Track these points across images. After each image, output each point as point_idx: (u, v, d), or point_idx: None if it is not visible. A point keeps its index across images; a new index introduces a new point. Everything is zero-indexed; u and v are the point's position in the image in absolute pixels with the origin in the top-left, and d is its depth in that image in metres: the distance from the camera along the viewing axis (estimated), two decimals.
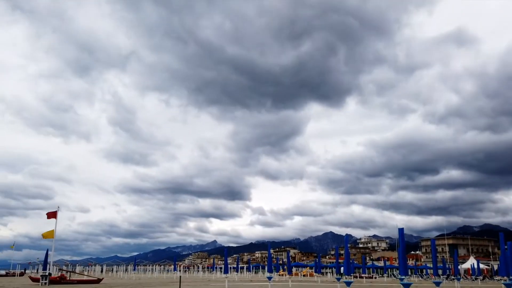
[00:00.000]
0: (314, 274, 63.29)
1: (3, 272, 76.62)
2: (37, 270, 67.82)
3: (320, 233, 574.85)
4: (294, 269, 74.11)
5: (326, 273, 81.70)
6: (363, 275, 58.76)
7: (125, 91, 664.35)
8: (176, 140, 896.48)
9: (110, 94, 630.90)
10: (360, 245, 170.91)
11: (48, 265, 33.29)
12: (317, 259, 76.31)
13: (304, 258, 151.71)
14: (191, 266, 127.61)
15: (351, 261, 42.79)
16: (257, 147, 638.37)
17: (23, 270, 79.17)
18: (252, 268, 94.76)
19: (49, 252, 33.99)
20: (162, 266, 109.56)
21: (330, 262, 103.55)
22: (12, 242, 71.74)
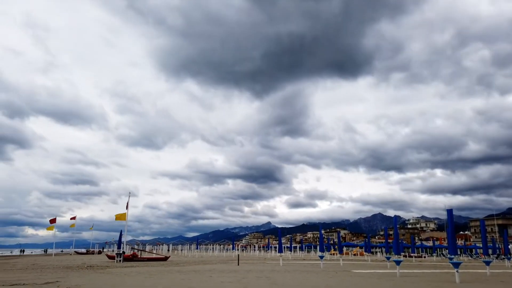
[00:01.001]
0: (364, 253, 62.22)
1: (84, 250, 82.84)
2: (113, 249, 72.41)
3: (369, 215, 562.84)
4: (344, 249, 73.31)
5: (376, 252, 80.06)
6: (412, 254, 57.00)
7: None
8: None
9: None
10: (409, 226, 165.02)
11: (122, 244, 35.57)
12: (366, 239, 74.96)
13: (354, 239, 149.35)
14: (247, 245, 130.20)
15: (400, 241, 41.67)
16: None
17: (100, 249, 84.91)
18: (305, 248, 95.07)
19: (122, 233, 36.28)
20: (221, 246, 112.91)
21: (379, 242, 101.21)
22: (91, 224, 77.15)
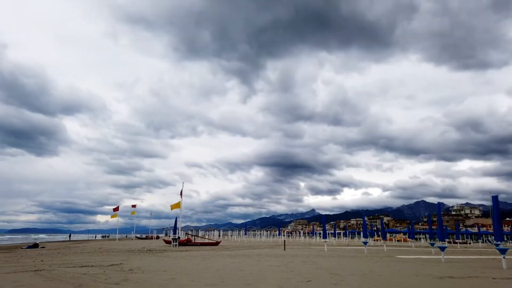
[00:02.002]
0: (408, 239, 60.01)
1: (143, 235, 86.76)
2: (169, 235, 75.18)
3: (412, 202, 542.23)
4: (388, 235, 71.09)
5: (420, 238, 76.93)
6: (457, 240, 54.17)
7: None
8: None
9: None
10: (453, 213, 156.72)
11: (177, 230, 36.79)
12: (410, 226, 72.19)
13: (398, 225, 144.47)
14: (293, 231, 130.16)
15: (444, 227, 39.67)
16: None
17: (158, 235, 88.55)
18: (348, 234, 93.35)
19: (177, 220, 37.53)
20: (268, 232, 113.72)
21: (423, 229, 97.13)
22: (150, 212, 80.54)
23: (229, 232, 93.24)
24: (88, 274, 10.31)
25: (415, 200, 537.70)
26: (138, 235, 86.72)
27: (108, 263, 13.93)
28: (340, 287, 8.29)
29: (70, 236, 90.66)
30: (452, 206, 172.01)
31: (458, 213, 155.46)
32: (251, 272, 10.94)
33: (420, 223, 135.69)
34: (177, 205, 35.38)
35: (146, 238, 75.59)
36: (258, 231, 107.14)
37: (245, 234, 69.02)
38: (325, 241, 28.70)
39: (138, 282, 8.72)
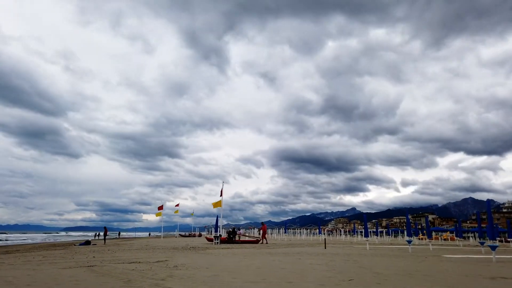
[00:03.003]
0: (455, 238, 57.07)
1: (186, 233, 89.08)
2: (211, 232, 76.59)
3: (459, 199, 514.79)
4: (433, 233, 68.06)
5: (468, 237, 72.91)
6: (509, 239, 50.74)
7: None
8: None
9: None
10: (504, 210, 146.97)
11: (218, 228, 37.43)
12: (457, 224, 68.70)
13: (444, 223, 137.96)
14: (333, 230, 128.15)
15: (495, 225, 37.36)
16: None
17: (200, 232, 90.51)
18: (391, 233, 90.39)
19: (218, 218, 38.16)
20: (308, 230, 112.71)
21: (471, 227, 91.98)
22: (192, 211, 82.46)
23: (269, 230, 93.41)
24: (136, 270, 10.73)
25: (462, 197, 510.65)
26: (181, 233, 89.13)
27: (154, 260, 14.42)
28: (384, 287, 8.04)
29: (119, 233, 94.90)
30: (503, 203, 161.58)
31: (510, 210, 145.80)
32: (292, 270, 10.89)
33: (468, 221, 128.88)
34: (219, 204, 35.99)
35: (189, 236, 77.50)
36: (297, 229, 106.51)
37: (285, 232, 68.81)
38: (367, 240, 27.91)
39: (183, 278, 8.95)
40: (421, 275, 10.35)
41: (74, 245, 34.24)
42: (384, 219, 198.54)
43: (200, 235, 77.67)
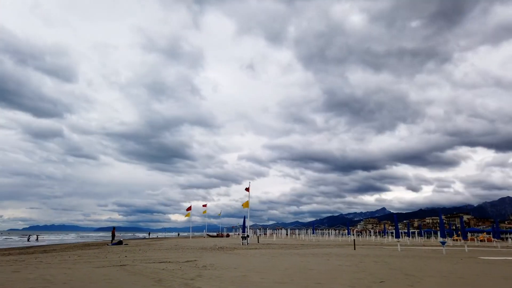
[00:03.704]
0: (492, 239, 54.65)
1: (214, 233, 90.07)
2: (238, 233, 77.00)
3: (496, 199, 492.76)
4: (469, 235, 65.43)
5: (506, 238, 69.60)
6: None
7: None
8: None
9: None
10: None
11: (246, 229, 37.62)
12: (494, 225, 65.76)
13: (480, 224, 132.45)
14: (363, 230, 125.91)
15: None
16: None
17: (228, 233, 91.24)
18: (424, 233, 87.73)
19: (246, 218, 38.37)
20: (336, 231, 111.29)
21: (509, 228, 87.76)
22: (219, 211, 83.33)
23: (297, 231, 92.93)
24: (166, 269, 10.96)
25: (500, 197, 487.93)
26: (210, 233, 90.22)
27: (183, 260, 14.68)
28: None
29: (149, 234, 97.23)
30: None
31: None
32: (320, 271, 10.79)
33: (506, 222, 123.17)
34: (246, 204, 36.30)
35: (217, 236, 78.30)
36: (326, 230, 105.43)
37: (313, 233, 68.23)
38: (398, 241, 27.23)
39: (211, 278, 9.06)
40: (456, 277, 9.99)
41: (107, 244, 35.39)
42: (415, 220, 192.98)
43: (228, 236, 78.30)
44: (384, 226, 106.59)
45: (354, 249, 25.25)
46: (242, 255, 18.21)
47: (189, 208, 58.30)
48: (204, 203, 70.67)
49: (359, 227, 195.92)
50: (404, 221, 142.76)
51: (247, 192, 36.21)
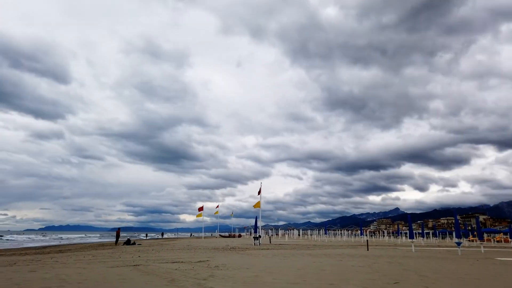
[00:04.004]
0: (510, 240, 53.49)
1: (226, 234, 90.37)
2: (250, 233, 77.05)
3: None
4: (485, 235, 64.15)
5: None
6: None
7: None
8: None
9: None
10: None
11: (257, 229, 37.63)
12: (511, 225, 64.33)
13: (496, 224, 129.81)
14: (376, 231, 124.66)
15: None
16: None
17: (240, 233, 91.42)
18: (438, 234, 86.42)
19: (257, 219, 38.37)
20: (349, 231, 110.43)
21: None
22: (231, 211, 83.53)
23: (309, 231, 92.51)
24: (179, 269, 11.04)
25: None
26: (222, 234, 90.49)
27: (196, 260, 14.76)
28: None
29: (162, 234, 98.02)
30: None
31: None
32: (333, 272, 10.73)
33: None
34: (258, 205, 36.33)
35: (229, 236, 78.54)
36: (338, 230, 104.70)
37: (325, 233, 67.80)
38: (412, 241, 26.89)
39: (224, 278, 9.09)
40: (472, 278, 9.82)
41: (121, 245, 35.82)
42: (430, 220, 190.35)
43: (240, 236, 78.41)
44: (398, 226, 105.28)
45: (367, 249, 25.03)
46: (254, 255, 18.23)
47: (200, 209, 58.57)
48: (216, 204, 70.83)
49: (372, 227, 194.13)
50: (418, 222, 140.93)
51: (256, 192, 36.27)
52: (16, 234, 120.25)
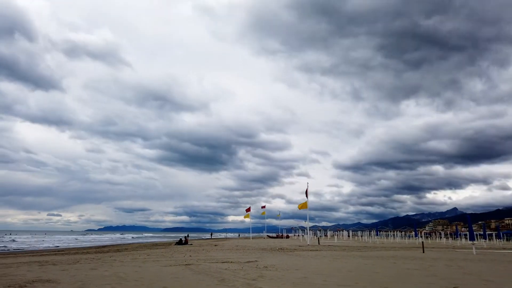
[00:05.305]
0: None
1: (274, 234, 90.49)
2: (298, 234, 76.48)
3: None
4: None
5: None
6: None
7: None
8: None
9: None
10: None
11: (305, 230, 37.27)
12: None
13: None
14: (432, 232, 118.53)
15: None
16: None
17: (287, 234, 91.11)
18: (503, 236, 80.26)
19: (305, 221, 37.99)
20: (402, 232, 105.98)
21: None
22: (278, 212, 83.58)
23: (359, 233, 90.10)
24: (228, 269, 11.23)
25: None
26: (269, 234, 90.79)
27: (244, 260, 14.93)
28: None
29: (211, 234, 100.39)
30: None
31: None
32: (386, 275, 10.34)
33: None
34: (304, 205, 35.89)
35: (277, 237, 78.60)
36: (390, 231, 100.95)
37: (377, 234, 65.58)
38: (473, 243, 25.20)
39: (273, 279, 9.10)
40: None
41: (173, 244, 37.21)
42: (492, 221, 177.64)
43: (287, 237, 78.18)
44: (456, 227, 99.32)
45: (423, 252, 23.86)
46: (303, 256, 18.07)
47: (248, 209, 59.19)
48: (263, 204, 71.25)
49: (427, 228, 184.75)
50: (479, 222, 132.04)
51: (306, 193, 35.85)
52: (81, 235, 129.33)
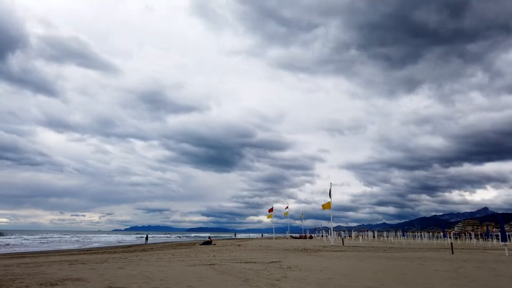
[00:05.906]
0: None
1: (297, 235, 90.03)
2: (321, 234, 75.73)
3: None
4: None
5: None
6: None
7: None
8: None
9: None
10: None
11: (329, 231, 36.87)
12: None
13: None
14: (461, 233, 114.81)
15: None
16: None
17: (311, 234, 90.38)
18: None
19: (329, 221, 37.62)
20: (430, 233, 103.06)
21: None
22: (301, 212, 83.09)
23: (384, 233, 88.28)
24: (252, 269, 11.25)
25: None
26: (293, 235, 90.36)
27: (268, 260, 14.91)
28: None
29: (235, 234, 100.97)
30: None
31: None
32: (414, 276, 10.09)
33: None
34: (328, 205, 35.53)
35: (300, 237, 78.13)
36: (417, 232, 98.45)
37: (403, 235, 64.02)
38: (505, 244, 24.22)
39: (296, 279, 9.05)
40: None
41: (199, 244, 37.65)
42: None
43: (311, 237, 77.57)
44: (487, 228, 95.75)
45: (452, 253, 23.15)
46: (327, 257, 17.89)
47: (271, 210, 59.16)
48: (286, 204, 70.97)
49: (456, 229, 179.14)
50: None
51: (329, 193, 35.49)
52: (106, 233, 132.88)
